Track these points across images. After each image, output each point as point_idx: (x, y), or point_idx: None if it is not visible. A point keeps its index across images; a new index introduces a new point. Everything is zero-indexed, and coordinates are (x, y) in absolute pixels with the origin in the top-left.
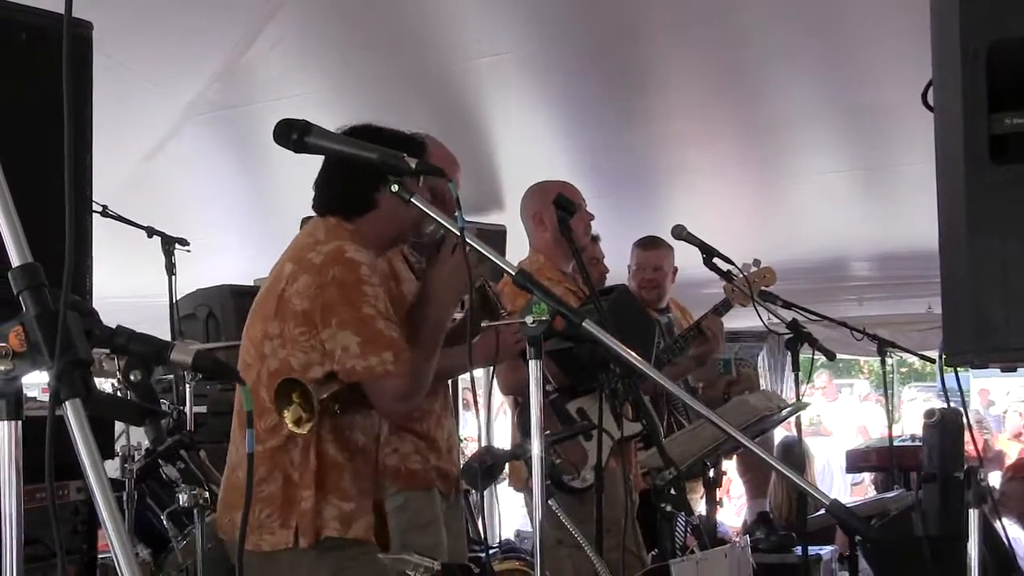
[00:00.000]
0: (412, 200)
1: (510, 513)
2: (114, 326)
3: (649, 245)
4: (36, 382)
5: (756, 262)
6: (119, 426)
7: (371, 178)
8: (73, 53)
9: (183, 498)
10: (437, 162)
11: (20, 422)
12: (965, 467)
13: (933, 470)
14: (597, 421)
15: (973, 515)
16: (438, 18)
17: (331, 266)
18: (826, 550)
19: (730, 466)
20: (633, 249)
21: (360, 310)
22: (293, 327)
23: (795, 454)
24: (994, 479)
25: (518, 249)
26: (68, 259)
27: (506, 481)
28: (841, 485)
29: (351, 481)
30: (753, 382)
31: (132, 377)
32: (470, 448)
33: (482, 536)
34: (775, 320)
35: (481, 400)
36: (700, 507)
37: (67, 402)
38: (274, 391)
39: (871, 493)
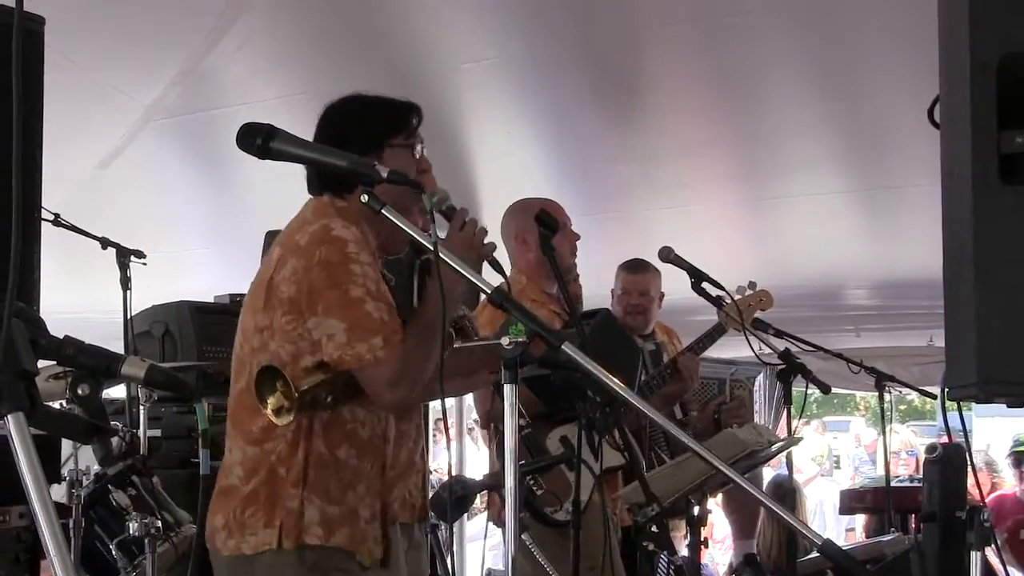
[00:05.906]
0: (383, 212)
1: (477, 551)
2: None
3: (636, 268)
4: None
5: (751, 284)
6: (67, 449)
7: (362, 151)
8: (23, 48)
9: (134, 527)
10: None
11: None
12: (968, 507)
13: (933, 509)
14: (578, 451)
15: (975, 558)
16: (416, 20)
17: (316, 247)
18: None
19: (714, 504)
20: (618, 272)
21: (347, 292)
22: (281, 316)
23: (786, 493)
24: None
25: None
26: (13, 263)
27: (479, 515)
28: (835, 530)
29: (344, 481)
30: (746, 404)
31: (80, 391)
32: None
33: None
34: (767, 350)
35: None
36: (683, 547)
37: (9, 416)
38: (255, 378)
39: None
